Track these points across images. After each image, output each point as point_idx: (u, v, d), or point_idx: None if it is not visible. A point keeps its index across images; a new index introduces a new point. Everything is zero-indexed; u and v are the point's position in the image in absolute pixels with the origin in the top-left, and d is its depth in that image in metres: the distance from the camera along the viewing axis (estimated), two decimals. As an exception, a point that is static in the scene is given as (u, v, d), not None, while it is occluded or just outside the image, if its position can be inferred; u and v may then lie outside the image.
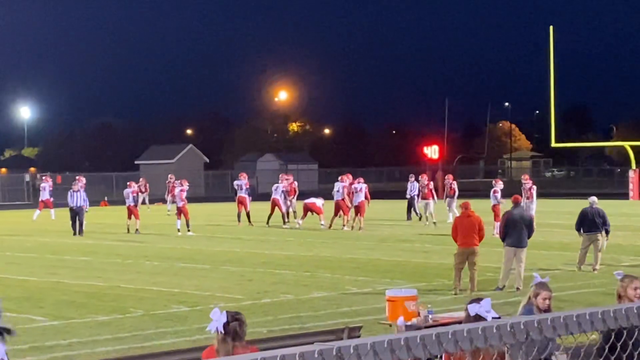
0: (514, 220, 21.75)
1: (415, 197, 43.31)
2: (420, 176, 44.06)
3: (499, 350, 2.99)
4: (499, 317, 7.75)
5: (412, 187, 43.81)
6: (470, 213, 21.56)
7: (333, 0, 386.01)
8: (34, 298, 20.98)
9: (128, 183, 41.90)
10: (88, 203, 39.61)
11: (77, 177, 48.38)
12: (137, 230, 38.26)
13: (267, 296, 20.89)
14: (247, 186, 42.41)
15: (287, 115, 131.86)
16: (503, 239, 22.00)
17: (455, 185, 42.38)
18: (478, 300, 8.38)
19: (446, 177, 44.44)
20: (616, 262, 25.40)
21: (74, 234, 37.50)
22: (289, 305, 19.75)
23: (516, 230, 21.64)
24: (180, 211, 37.91)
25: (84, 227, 37.93)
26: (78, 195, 38.29)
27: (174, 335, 16.54)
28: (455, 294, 20.59)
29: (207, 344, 10.36)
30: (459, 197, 41.96)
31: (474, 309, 8.07)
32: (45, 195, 46.97)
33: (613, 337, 3.68)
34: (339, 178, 40.71)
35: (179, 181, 39.81)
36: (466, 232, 21.08)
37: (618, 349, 4.41)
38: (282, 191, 41.65)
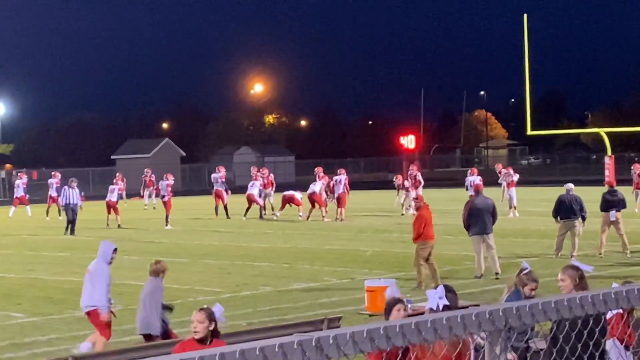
0: (477, 209, 21.80)
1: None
2: (395, 177, 44.01)
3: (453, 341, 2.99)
4: (448, 305, 7.94)
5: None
6: (427, 205, 21.35)
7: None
8: (12, 295, 20.89)
9: (115, 180, 41.64)
10: (80, 200, 38.43)
11: (52, 173, 48.23)
12: (119, 225, 38.18)
13: (247, 288, 20.88)
14: (223, 179, 42.33)
15: (263, 107, 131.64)
16: (467, 228, 22.01)
17: (420, 176, 41.61)
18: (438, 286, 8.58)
19: (410, 167, 43.63)
20: (593, 248, 25.51)
21: (69, 232, 35.86)
22: (269, 297, 19.75)
23: (481, 218, 21.68)
24: (165, 204, 38.05)
25: (75, 227, 36.31)
26: (73, 193, 36.88)
27: (154, 329, 16.47)
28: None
29: (186, 337, 10.34)
30: (428, 187, 41.99)
31: (429, 294, 8.24)
32: (19, 192, 46.72)
33: (555, 328, 3.70)
34: (318, 176, 40.53)
35: (165, 175, 39.87)
36: (431, 225, 20.81)
37: (560, 340, 4.43)
38: (260, 189, 41.65)
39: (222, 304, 18.36)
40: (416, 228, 20.83)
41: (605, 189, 26.28)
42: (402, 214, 40.50)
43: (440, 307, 8.04)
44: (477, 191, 22.83)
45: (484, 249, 21.62)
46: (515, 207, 38.47)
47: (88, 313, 14.54)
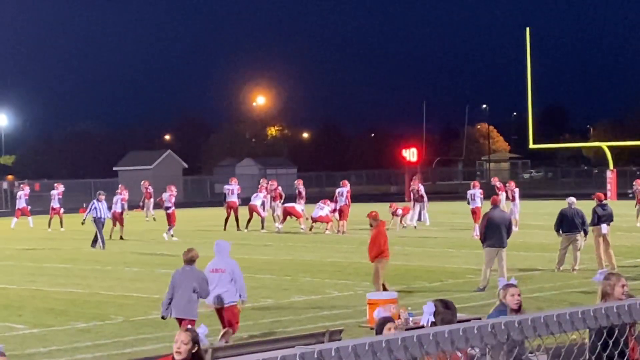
0: (494, 222, 21.81)
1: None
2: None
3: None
4: (434, 321, 8.02)
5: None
6: (384, 222, 20.78)
7: (310, 4, 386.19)
8: (13, 306, 20.87)
9: (118, 191, 41.37)
10: (109, 214, 36.59)
11: (54, 184, 48.25)
12: (121, 237, 38.02)
13: (248, 301, 20.83)
14: (239, 191, 42.25)
15: (266, 119, 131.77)
16: (483, 240, 22.00)
17: (423, 191, 41.83)
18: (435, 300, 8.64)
19: (412, 183, 43.70)
20: (595, 262, 25.49)
21: (101, 246, 34.45)
22: (270, 309, 19.73)
23: (497, 231, 21.70)
24: (169, 216, 37.96)
25: (103, 240, 35.04)
26: (102, 206, 35.48)
27: (155, 341, 16.49)
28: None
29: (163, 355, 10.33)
30: (430, 200, 41.93)
31: (425, 309, 8.32)
32: (21, 203, 46.70)
33: (605, 334, 3.69)
34: (300, 195, 40.57)
35: (168, 187, 39.89)
36: (386, 241, 20.25)
37: (610, 345, 4.44)
38: (263, 201, 41.69)
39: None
40: (377, 245, 20.05)
41: (594, 203, 26.20)
42: (415, 227, 40.40)
43: (428, 324, 8.10)
44: (495, 204, 22.81)
45: (495, 263, 21.64)
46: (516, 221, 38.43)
47: (225, 309, 15.75)
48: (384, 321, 9.22)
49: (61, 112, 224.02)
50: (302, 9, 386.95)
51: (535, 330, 2.96)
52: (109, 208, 37.16)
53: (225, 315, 15.75)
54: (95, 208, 35.54)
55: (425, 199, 41.84)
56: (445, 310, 8.60)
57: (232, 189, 41.94)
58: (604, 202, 25.92)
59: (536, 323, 2.95)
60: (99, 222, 35.12)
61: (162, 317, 15.49)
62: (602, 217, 25.11)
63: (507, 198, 39.81)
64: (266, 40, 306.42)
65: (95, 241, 34.84)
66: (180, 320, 14.88)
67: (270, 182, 44.33)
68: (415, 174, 60.68)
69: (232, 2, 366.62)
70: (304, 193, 42.98)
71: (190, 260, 15.33)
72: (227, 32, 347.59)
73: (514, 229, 37.29)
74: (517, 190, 40.23)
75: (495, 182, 42.66)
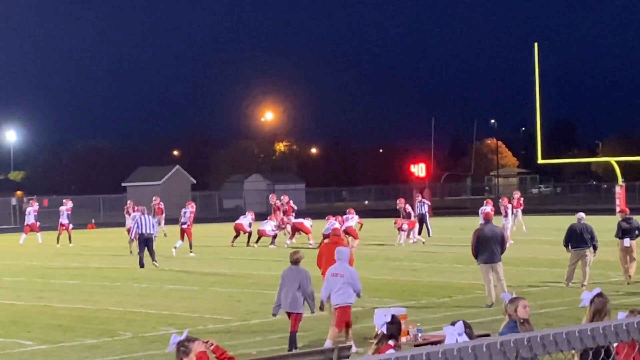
0: (485, 237, 21.77)
1: (426, 214, 43.26)
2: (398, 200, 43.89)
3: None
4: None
5: (421, 205, 43.43)
6: (337, 240, 20.41)
7: (318, 19, 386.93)
8: (22, 322, 20.88)
9: (139, 208, 41.11)
10: (157, 229, 34.55)
11: (63, 200, 48.30)
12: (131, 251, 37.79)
13: (257, 317, 20.83)
14: (253, 220, 42.23)
15: (274, 135, 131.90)
16: (476, 256, 21.98)
17: (410, 209, 42.13)
18: (454, 323, 8.51)
19: (399, 201, 44.03)
20: (604, 278, 25.43)
21: (141, 265, 32.40)
22: (279, 325, 19.67)
23: (488, 247, 21.65)
24: (183, 232, 37.91)
25: (155, 257, 32.84)
26: (147, 221, 33.81)
27: (163, 357, 16.47)
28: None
29: None
30: (439, 215, 41.98)
31: (447, 331, 8.16)
32: (30, 219, 46.74)
33: (591, 355, 3.70)
34: (328, 217, 40.84)
35: (188, 203, 40.05)
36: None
37: None
38: (282, 210, 42.07)
39: (232, 332, 18.36)
40: (318, 263, 20.63)
41: (619, 217, 26.29)
42: (424, 242, 40.40)
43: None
44: (487, 220, 22.79)
45: (494, 278, 21.57)
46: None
47: (341, 308, 16.97)
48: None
49: (70, 128, 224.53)
50: (310, 25, 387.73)
51: (545, 348, 2.96)
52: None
53: (338, 314, 16.86)
54: (140, 224, 33.53)
55: (413, 216, 41.95)
56: (467, 331, 8.61)
57: (246, 217, 42.27)
58: (630, 216, 25.99)
59: (545, 340, 2.95)
60: (141, 237, 33.14)
61: (273, 315, 17.53)
62: (625, 230, 25.18)
63: (503, 214, 39.94)
64: (274, 56, 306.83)
65: (153, 258, 32.80)
66: (289, 314, 16.81)
67: (282, 197, 44.55)
68: (423, 189, 60.58)
69: (240, 18, 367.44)
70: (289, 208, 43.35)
71: (296, 261, 17.61)
72: (235, 48, 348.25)
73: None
74: (509, 206, 40.44)
75: (517, 195, 42.81)
